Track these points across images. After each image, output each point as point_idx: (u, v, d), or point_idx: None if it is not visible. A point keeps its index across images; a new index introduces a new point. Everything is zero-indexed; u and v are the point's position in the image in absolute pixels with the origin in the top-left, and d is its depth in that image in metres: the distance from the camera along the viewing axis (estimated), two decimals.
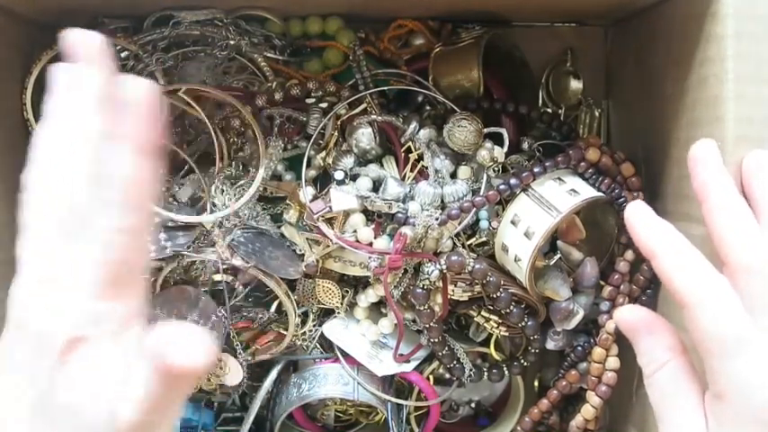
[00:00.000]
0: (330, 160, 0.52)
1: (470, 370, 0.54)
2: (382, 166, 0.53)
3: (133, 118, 0.30)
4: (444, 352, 0.53)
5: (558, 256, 0.51)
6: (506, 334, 0.53)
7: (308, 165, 0.53)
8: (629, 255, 0.49)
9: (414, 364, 0.55)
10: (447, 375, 0.56)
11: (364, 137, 0.52)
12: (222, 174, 0.53)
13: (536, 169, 0.48)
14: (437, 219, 0.48)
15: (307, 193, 0.51)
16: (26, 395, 0.28)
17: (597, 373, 0.49)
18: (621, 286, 0.49)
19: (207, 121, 0.52)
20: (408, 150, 0.53)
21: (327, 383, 0.54)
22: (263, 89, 0.54)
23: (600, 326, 0.50)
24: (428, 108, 0.56)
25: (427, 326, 0.51)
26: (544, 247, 0.49)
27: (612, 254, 0.53)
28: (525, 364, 0.55)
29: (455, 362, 0.54)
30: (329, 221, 0.52)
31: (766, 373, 0.32)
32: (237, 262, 0.51)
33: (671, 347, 0.38)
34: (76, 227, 0.28)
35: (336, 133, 0.54)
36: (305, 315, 0.56)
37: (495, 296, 0.49)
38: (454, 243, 0.51)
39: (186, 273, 0.54)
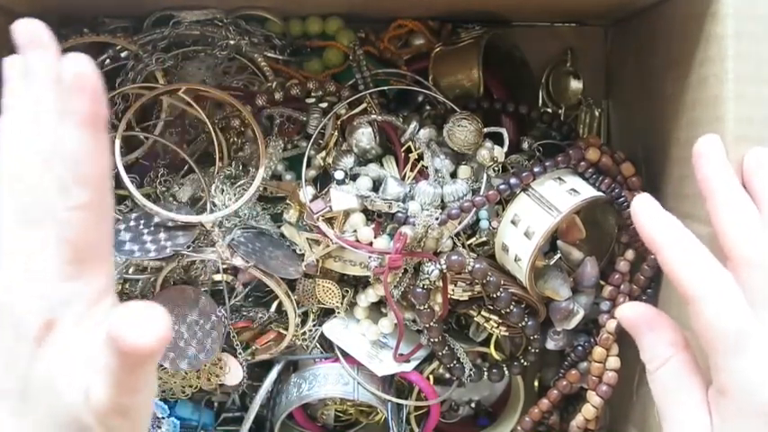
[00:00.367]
0: (330, 160, 0.52)
1: (470, 370, 0.54)
2: (382, 165, 0.53)
3: (75, 93, 0.29)
4: (444, 352, 0.53)
5: (558, 255, 0.51)
6: (506, 334, 0.53)
7: (308, 164, 0.53)
8: (630, 254, 0.49)
9: (414, 363, 0.55)
10: (447, 375, 0.56)
11: (364, 136, 0.52)
12: (222, 173, 0.53)
13: (536, 169, 0.48)
14: (437, 218, 0.48)
15: (307, 192, 0.51)
16: (4, 380, 0.28)
17: (598, 372, 0.49)
18: (622, 286, 0.49)
19: (207, 120, 0.52)
20: (408, 150, 0.53)
21: (327, 383, 0.54)
22: (263, 89, 0.54)
23: (600, 325, 0.50)
24: (428, 108, 0.56)
25: (427, 326, 0.51)
26: (544, 246, 0.49)
27: (612, 253, 0.53)
28: (525, 363, 0.55)
29: (455, 362, 0.54)
30: (329, 221, 0.52)
31: None
32: (237, 262, 0.51)
33: (673, 343, 0.38)
34: (36, 210, 0.28)
35: (336, 133, 0.54)
36: (305, 315, 0.56)
37: (495, 296, 0.49)
38: (454, 243, 0.51)
39: (186, 272, 0.54)
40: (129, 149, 0.55)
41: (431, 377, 0.56)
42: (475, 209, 0.49)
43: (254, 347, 0.56)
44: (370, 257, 0.50)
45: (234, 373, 0.55)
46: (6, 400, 0.28)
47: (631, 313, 0.40)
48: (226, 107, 0.54)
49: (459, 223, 0.50)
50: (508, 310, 0.50)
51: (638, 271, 0.49)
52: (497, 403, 0.63)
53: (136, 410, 0.29)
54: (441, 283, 0.49)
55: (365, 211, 0.51)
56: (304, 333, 0.56)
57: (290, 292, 0.54)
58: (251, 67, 0.56)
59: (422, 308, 0.49)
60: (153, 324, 0.26)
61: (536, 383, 0.61)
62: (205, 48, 0.55)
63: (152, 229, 0.52)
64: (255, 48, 0.55)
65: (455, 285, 0.51)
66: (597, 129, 0.59)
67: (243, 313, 0.55)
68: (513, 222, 0.49)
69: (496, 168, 0.52)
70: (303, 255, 0.53)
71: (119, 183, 0.50)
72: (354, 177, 0.52)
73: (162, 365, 0.53)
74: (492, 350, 0.56)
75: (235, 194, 0.52)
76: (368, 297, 0.54)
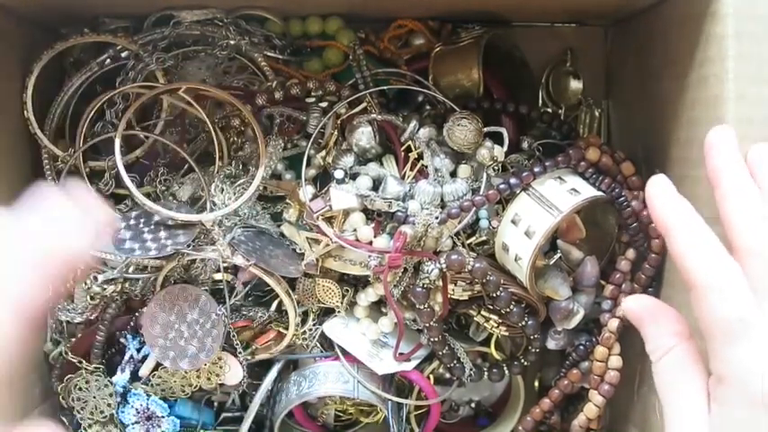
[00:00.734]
0: (330, 159, 0.52)
1: (470, 369, 0.54)
2: (382, 164, 0.53)
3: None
4: (444, 351, 0.53)
5: (559, 255, 0.51)
6: (506, 333, 0.53)
7: (308, 164, 0.53)
8: (631, 253, 0.49)
9: (414, 362, 0.55)
10: (447, 375, 0.56)
11: (364, 136, 0.52)
12: (222, 172, 0.53)
13: (536, 169, 0.48)
14: (437, 217, 0.48)
15: (306, 191, 0.51)
16: None
17: (600, 371, 0.49)
18: (623, 285, 0.49)
19: (207, 120, 0.52)
20: (408, 149, 0.53)
21: (327, 381, 0.54)
22: (263, 88, 0.54)
23: (602, 325, 0.50)
24: (428, 107, 0.56)
25: (427, 325, 0.51)
26: (544, 246, 0.49)
27: (613, 253, 0.53)
28: (525, 363, 0.55)
29: (455, 361, 0.54)
30: (329, 220, 0.52)
31: (766, 359, 0.32)
32: (238, 260, 0.51)
33: (676, 333, 0.38)
34: None
35: (336, 132, 0.54)
36: (305, 314, 0.56)
37: (495, 295, 0.49)
38: (454, 242, 0.51)
39: (186, 271, 0.54)
40: (130, 149, 0.55)
41: (431, 377, 0.56)
42: (475, 208, 0.49)
43: (254, 347, 0.56)
44: (369, 257, 0.50)
45: (234, 372, 0.55)
46: None
47: (636, 306, 0.40)
48: (226, 106, 0.54)
49: (459, 222, 0.50)
50: (508, 310, 0.50)
51: (639, 270, 0.49)
52: (497, 403, 0.63)
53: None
54: (441, 283, 0.49)
55: (365, 210, 0.51)
56: (304, 332, 0.56)
57: (290, 291, 0.54)
58: (251, 67, 0.56)
59: (422, 307, 0.49)
60: None
61: (536, 383, 0.61)
62: (205, 47, 0.55)
63: (152, 227, 0.52)
64: (255, 47, 0.55)
65: (455, 285, 0.51)
66: (597, 129, 0.59)
67: (243, 312, 0.55)
68: (513, 222, 0.49)
69: (496, 168, 0.52)
70: (303, 254, 0.53)
71: (119, 182, 0.50)
72: (354, 176, 0.52)
73: (162, 364, 0.53)
74: (492, 350, 0.56)
75: (235, 193, 0.52)
76: (368, 296, 0.54)
